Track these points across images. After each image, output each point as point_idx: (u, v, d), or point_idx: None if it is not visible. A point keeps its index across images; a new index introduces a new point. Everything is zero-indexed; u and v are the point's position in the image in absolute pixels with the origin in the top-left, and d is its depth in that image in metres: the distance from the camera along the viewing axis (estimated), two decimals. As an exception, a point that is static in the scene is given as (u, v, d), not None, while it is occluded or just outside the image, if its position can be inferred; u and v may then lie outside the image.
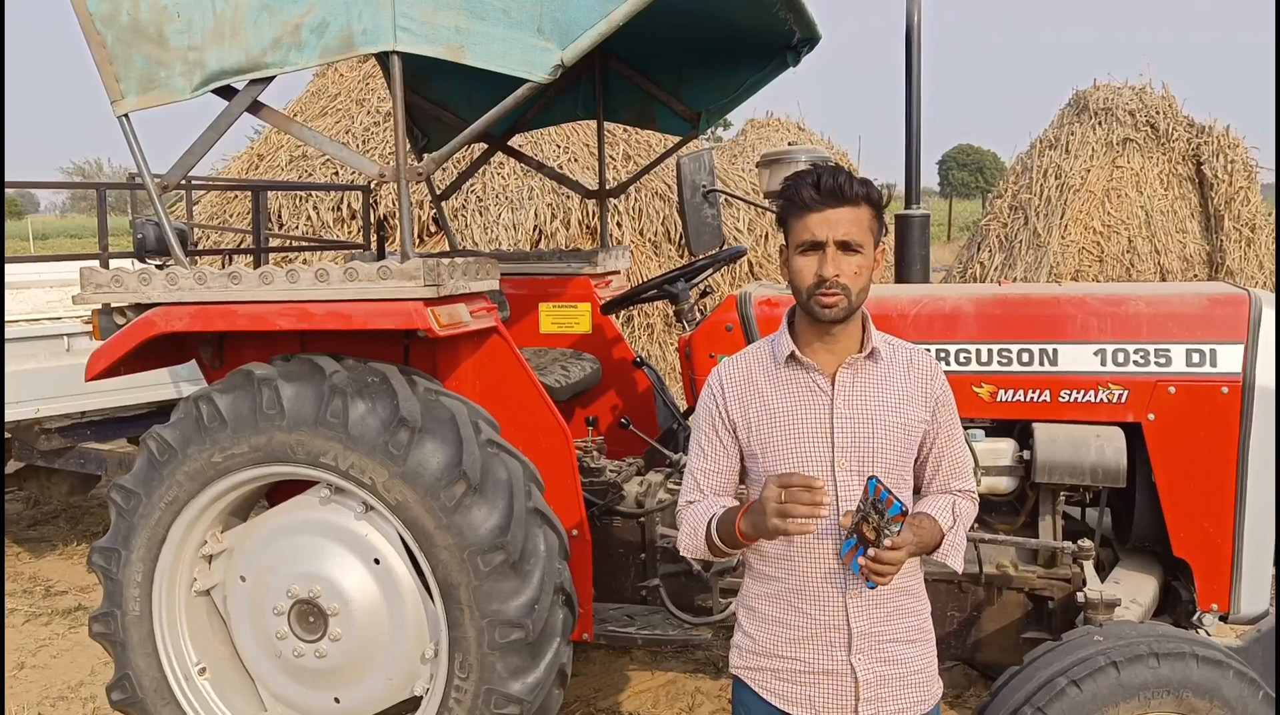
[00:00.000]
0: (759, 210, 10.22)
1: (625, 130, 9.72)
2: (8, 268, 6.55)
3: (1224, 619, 2.98)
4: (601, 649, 4.40)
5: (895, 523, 1.84)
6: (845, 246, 1.96)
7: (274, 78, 2.95)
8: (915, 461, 2.11)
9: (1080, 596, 2.88)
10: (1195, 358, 2.89)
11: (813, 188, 1.95)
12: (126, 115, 3.04)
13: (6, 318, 6.19)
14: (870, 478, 1.88)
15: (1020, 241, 12.40)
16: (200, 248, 8.29)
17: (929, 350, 2.97)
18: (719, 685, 4.19)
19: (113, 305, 3.14)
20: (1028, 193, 12.62)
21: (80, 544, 6.25)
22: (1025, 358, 3.00)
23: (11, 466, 5.63)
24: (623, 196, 9.11)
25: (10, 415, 4.75)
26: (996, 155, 52.55)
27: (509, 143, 4.80)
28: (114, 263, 4.74)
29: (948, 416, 2.12)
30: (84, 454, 5.11)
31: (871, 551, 1.86)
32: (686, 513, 2.14)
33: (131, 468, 3.15)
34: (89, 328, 4.72)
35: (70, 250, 20.71)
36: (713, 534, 2.04)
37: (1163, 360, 2.91)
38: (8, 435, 5.17)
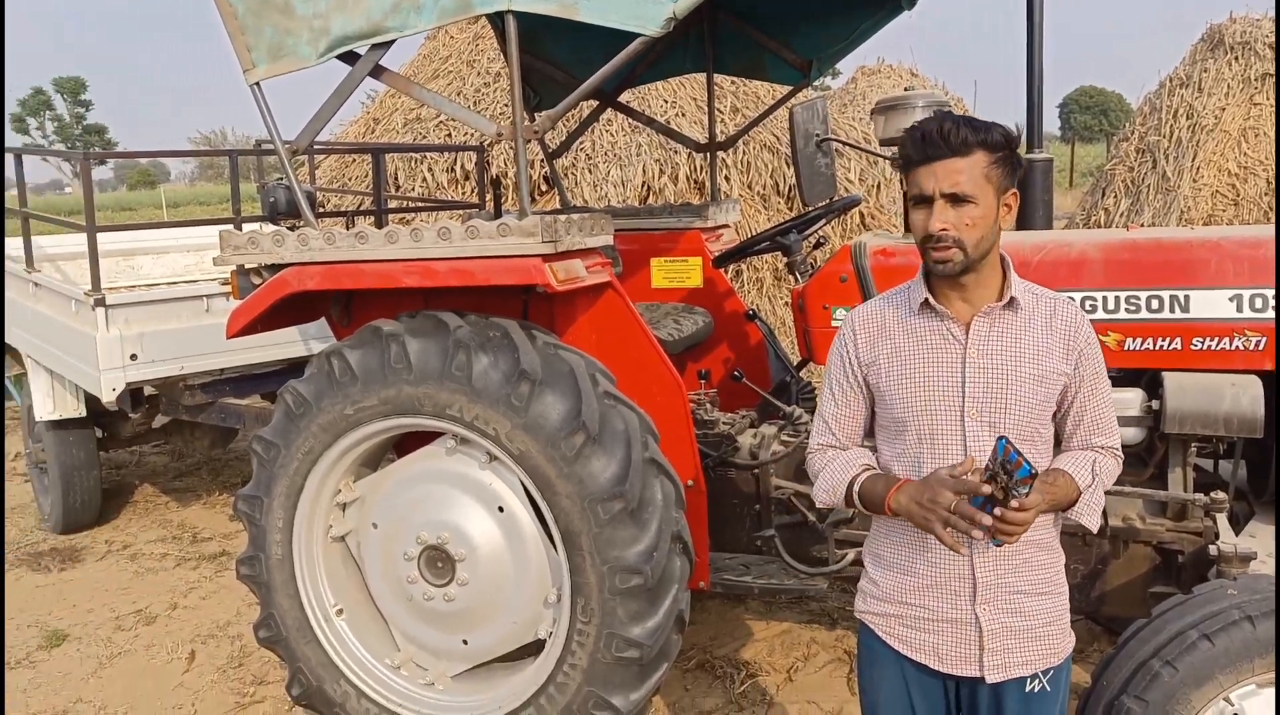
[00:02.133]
0: (871, 159, 10.00)
1: (733, 82, 9.60)
2: (150, 234, 6.92)
3: (1368, 575, 2.85)
4: (718, 598, 4.47)
5: (1023, 485, 1.81)
6: (954, 198, 1.91)
7: (394, 41, 3.03)
8: (1055, 415, 2.07)
9: (1212, 550, 2.80)
10: (1341, 302, 2.74)
11: (919, 139, 1.92)
12: (258, 83, 3.17)
13: (150, 281, 6.57)
14: (1000, 437, 1.84)
15: (1148, 186, 11.83)
16: (324, 211, 8.57)
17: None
18: (834, 636, 4.21)
19: (249, 266, 3.30)
20: (1156, 134, 12.00)
21: (222, 494, 6.62)
22: (1155, 304, 2.90)
23: (158, 421, 5.97)
24: (731, 150, 9.03)
25: (156, 373, 5.03)
26: (1122, 97, 50.04)
27: (618, 98, 4.82)
28: (246, 226, 4.96)
29: (1092, 370, 2.05)
30: (224, 409, 5.37)
31: (998, 511, 1.84)
32: (820, 458, 2.16)
33: (268, 422, 3.32)
34: (226, 289, 4.97)
35: (200, 216, 21.63)
36: (854, 498, 2.06)
37: (1305, 305, 2.77)
38: (154, 391, 5.48)
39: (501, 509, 3.09)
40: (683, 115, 9.52)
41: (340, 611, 3.40)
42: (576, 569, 2.95)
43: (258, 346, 5.13)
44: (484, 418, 2.95)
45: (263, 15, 3.09)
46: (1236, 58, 11.83)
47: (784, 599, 4.46)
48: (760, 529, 3.47)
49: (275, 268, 3.23)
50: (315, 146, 7.41)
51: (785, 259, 3.74)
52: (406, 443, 3.38)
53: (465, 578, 3.12)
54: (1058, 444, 2.13)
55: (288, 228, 3.35)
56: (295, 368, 5.25)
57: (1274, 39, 11.67)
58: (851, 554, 3.29)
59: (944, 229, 1.91)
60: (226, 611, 4.83)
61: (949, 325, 2.02)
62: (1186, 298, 2.88)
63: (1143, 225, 11.12)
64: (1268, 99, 11.54)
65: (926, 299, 2.03)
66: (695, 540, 3.19)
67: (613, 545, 2.90)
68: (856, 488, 2.05)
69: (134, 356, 4.90)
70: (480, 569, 3.11)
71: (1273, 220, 11.07)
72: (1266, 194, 11.37)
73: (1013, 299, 2.01)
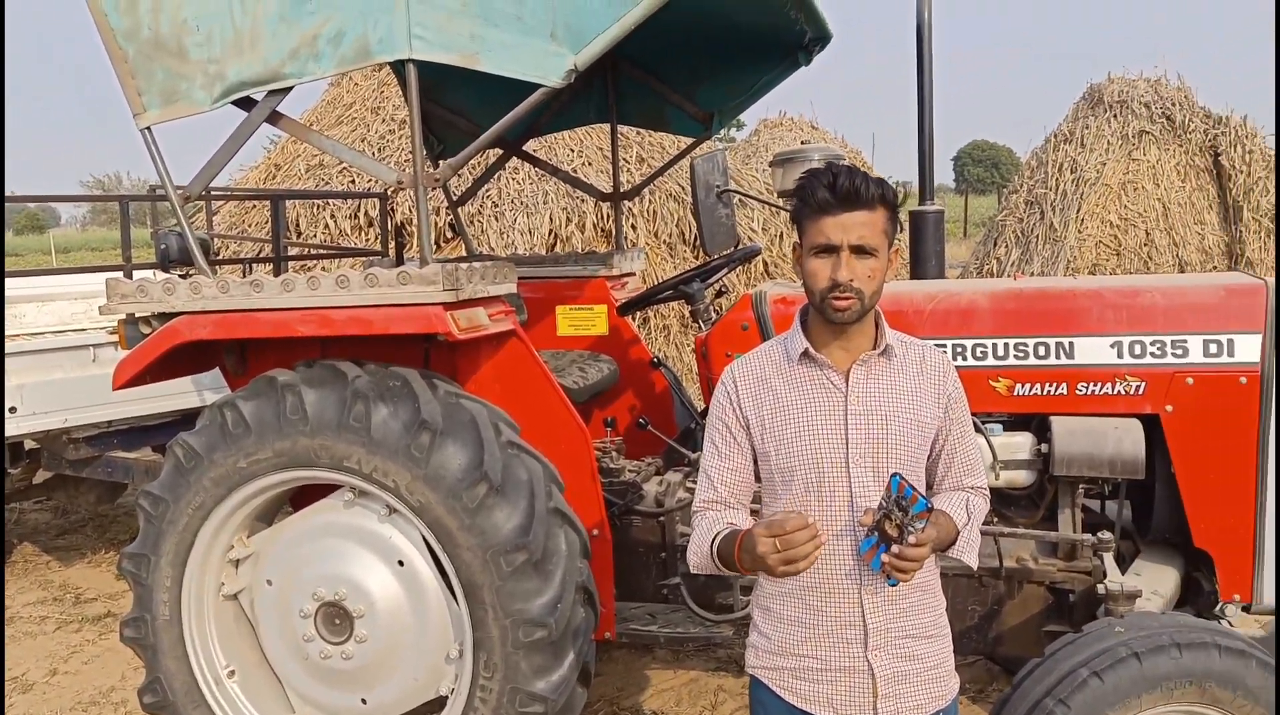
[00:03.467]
0: (773, 210, 10.22)
1: (638, 133, 9.74)
2: (33, 281, 6.65)
3: (1246, 609, 2.98)
4: (624, 648, 4.43)
5: (920, 519, 1.85)
6: (859, 250, 1.95)
7: (292, 88, 2.99)
8: (928, 458, 2.12)
9: (1101, 589, 2.89)
10: (1213, 348, 2.89)
11: (828, 189, 1.94)
12: (149, 128, 3.10)
13: (34, 330, 6.29)
14: (894, 475, 1.87)
15: (1037, 236, 12.36)
16: (220, 257, 8.37)
17: (945, 346, 3.00)
18: (741, 683, 4.20)
19: (138, 315, 3.19)
20: (1043, 187, 12.57)
21: (108, 552, 6.33)
22: (1041, 351, 3.01)
23: (40, 476, 5.71)
24: (637, 199, 9.14)
25: (38, 425, 4.82)
26: (1011, 150, 52.26)
27: (524, 147, 4.84)
28: (137, 273, 4.80)
29: (960, 413, 2.12)
30: (111, 463, 5.17)
31: (895, 549, 1.86)
32: (696, 521, 2.13)
33: (158, 475, 3.20)
34: (114, 338, 4.80)
35: (91, 262, 20.87)
36: (714, 559, 2.04)
37: (1180, 351, 2.91)
38: (36, 445, 5.24)
39: (402, 563, 3.02)
40: (589, 164, 9.61)
41: (232, 673, 3.27)
42: (479, 623, 2.89)
43: (148, 397, 4.97)
44: (383, 469, 2.90)
45: (154, 59, 3.03)
46: (1115, 115, 12.51)
47: (691, 647, 4.44)
48: (666, 577, 3.46)
49: (166, 316, 3.13)
50: (212, 192, 7.25)
51: (689, 307, 3.78)
52: (303, 496, 3.29)
53: (364, 634, 3.03)
54: (929, 487, 2.17)
55: (180, 275, 3.26)
56: (188, 419, 5.08)
57: (1146, 99, 12.37)
58: (751, 602, 3.30)
59: (850, 279, 1.95)
60: (111, 677, 4.60)
61: (829, 374, 2.05)
62: (1071, 344, 2.99)
63: (1031, 274, 11.59)
64: (1144, 155, 12.22)
65: (807, 349, 2.06)
66: (601, 590, 3.17)
67: (516, 598, 2.85)
68: (715, 551, 2.03)
69: (13, 409, 4.69)
70: (379, 625, 3.02)
71: (1151, 271, 11.66)
72: (1146, 245, 11.99)
73: (887, 347, 2.06)
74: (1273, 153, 11.99)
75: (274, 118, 3.07)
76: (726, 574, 2.08)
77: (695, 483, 3.49)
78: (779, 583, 2.08)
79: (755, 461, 2.13)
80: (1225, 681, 2.38)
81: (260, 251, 8.40)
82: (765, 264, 10.10)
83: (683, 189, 9.55)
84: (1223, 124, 12.09)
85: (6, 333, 6.03)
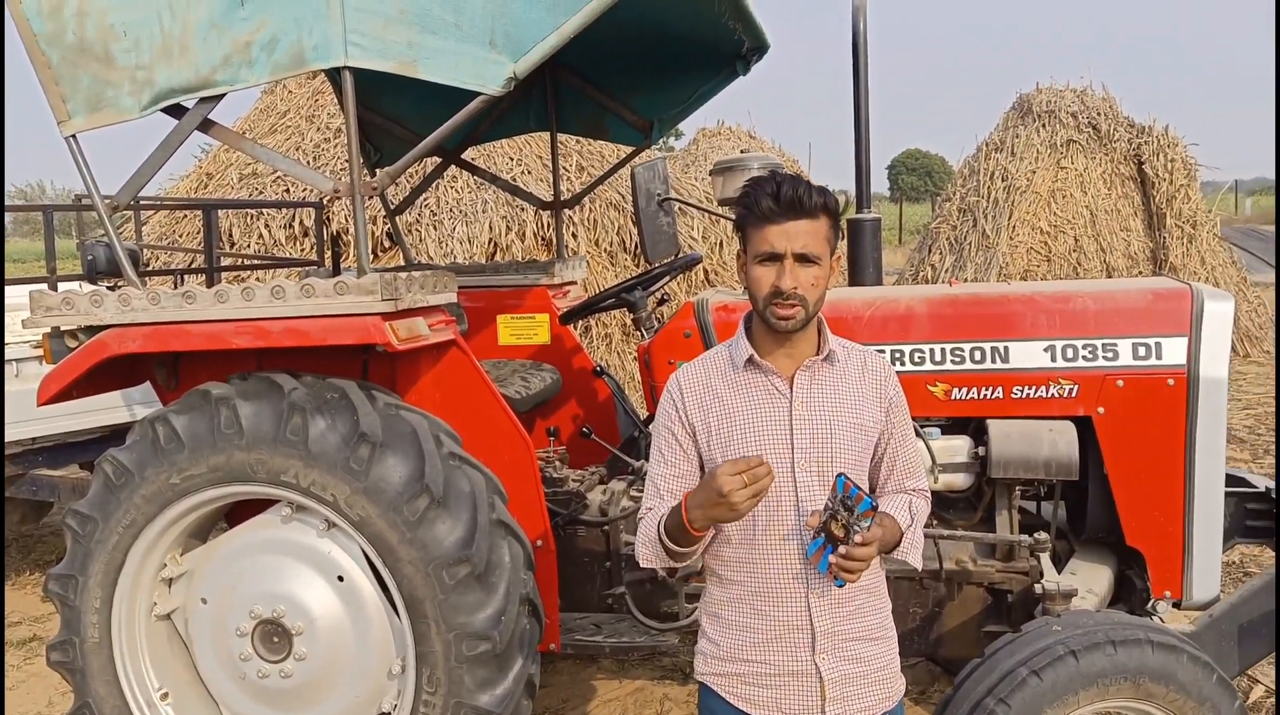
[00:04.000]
0: (713, 218, 10.28)
1: (578, 141, 9.73)
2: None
3: (1177, 605, 3.06)
4: (569, 659, 4.40)
5: (866, 518, 1.87)
6: (803, 258, 1.97)
7: (224, 95, 2.93)
8: (870, 462, 2.15)
9: (1038, 588, 2.94)
10: (1141, 351, 2.97)
11: (772, 199, 1.96)
12: (74, 136, 3.01)
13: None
14: (839, 475, 1.89)
15: (969, 243, 12.61)
16: (151, 268, 8.17)
17: (884, 351, 3.04)
18: (687, 691, 4.20)
19: (64, 328, 3.10)
20: (975, 195, 12.84)
21: (33, 573, 6.12)
22: (977, 356, 3.06)
23: (-40, 496, 5.51)
24: (577, 207, 9.12)
25: (-43, 444, 4.65)
26: (944, 159, 53.18)
27: (462, 156, 4.81)
28: (63, 285, 4.66)
29: (901, 417, 2.15)
30: (35, 481, 5.01)
31: (842, 549, 1.88)
32: (642, 523, 2.13)
33: (85, 494, 3.11)
34: (38, 352, 4.65)
35: (14, 274, 20.26)
36: (663, 536, 2.02)
37: (1110, 354, 2.98)
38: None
39: (341, 578, 2.97)
40: (529, 173, 9.58)
41: (165, 695, 3.18)
42: (421, 638, 2.85)
43: (76, 413, 4.82)
44: (321, 483, 2.84)
45: (79, 65, 2.94)
46: (1044, 125, 12.84)
47: (636, 656, 4.43)
48: (611, 586, 3.45)
49: (93, 329, 3.04)
50: (142, 202, 7.09)
51: (631, 315, 3.78)
52: (239, 512, 3.22)
53: (303, 652, 2.97)
54: (871, 491, 2.19)
55: (109, 287, 3.17)
56: (117, 435, 4.95)
57: (1073, 109, 12.71)
58: (699, 609, 3.30)
59: (794, 287, 1.97)
60: (36, 703, 4.44)
61: (773, 380, 2.07)
62: (1006, 349, 3.05)
63: (965, 281, 11.81)
64: (1072, 163, 12.55)
65: (752, 356, 2.07)
66: (545, 601, 3.14)
67: (459, 611, 2.82)
68: (662, 528, 2.02)
69: (-69, 427, 4.51)
70: (319, 642, 2.96)
71: (1080, 276, 11.95)
72: (1075, 251, 12.30)
73: (830, 352, 2.08)
74: (1193, 161, 12.39)
75: (205, 125, 3.01)
76: (677, 552, 2.03)
77: (639, 491, 3.51)
78: (728, 589, 2.09)
79: (701, 468, 2.13)
80: (1158, 676, 2.44)
81: (192, 262, 8.21)
82: (706, 272, 10.15)
83: (623, 197, 9.56)
84: (1145, 134, 12.48)
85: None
